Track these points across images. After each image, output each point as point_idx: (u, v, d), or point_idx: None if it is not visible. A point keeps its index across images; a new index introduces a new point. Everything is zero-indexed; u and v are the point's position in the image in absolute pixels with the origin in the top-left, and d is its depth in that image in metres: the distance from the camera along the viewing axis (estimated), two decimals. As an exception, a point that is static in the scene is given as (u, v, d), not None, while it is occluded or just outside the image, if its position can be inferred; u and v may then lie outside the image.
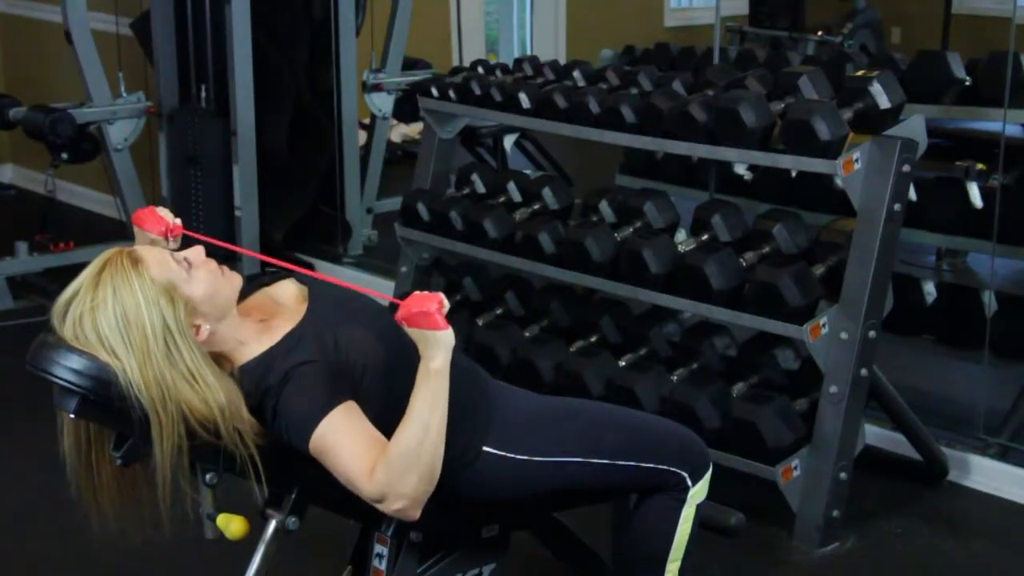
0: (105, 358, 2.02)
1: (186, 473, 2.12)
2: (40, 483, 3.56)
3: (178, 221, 2.34)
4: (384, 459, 2.00)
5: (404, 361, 2.15)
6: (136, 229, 2.33)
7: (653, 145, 3.73)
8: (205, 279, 2.11)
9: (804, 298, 3.26)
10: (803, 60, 4.72)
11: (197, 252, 2.15)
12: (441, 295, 2.03)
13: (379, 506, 2.03)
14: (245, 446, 2.06)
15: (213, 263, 2.15)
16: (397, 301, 2.06)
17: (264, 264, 5.20)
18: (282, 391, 2.08)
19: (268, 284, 2.31)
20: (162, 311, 2.03)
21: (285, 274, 2.34)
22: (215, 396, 2.04)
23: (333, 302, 2.27)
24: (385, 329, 2.18)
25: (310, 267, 5.41)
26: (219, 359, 2.13)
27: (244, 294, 2.26)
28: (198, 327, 2.09)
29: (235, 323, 2.15)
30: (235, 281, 2.18)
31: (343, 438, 2.04)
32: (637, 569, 2.42)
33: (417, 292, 2.05)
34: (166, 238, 2.31)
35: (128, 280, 2.04)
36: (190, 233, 2.38)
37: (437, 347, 2.02)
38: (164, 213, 2.34)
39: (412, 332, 2.03)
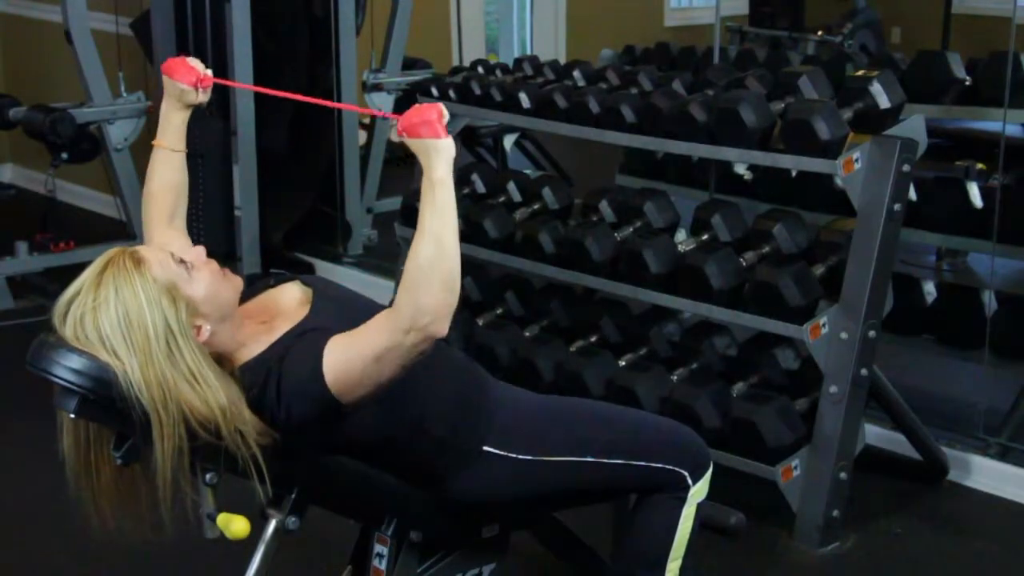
0: (106, 358, 2.01)
1: (186, 473, 2.11)
2: (40, 483, 3.56)
3: (208, 72, 2.33)
4: (402, 282, 1.96)
5: None
6: (165, 79, 2.33)
7: (653, 145, 3.73)
8: (206, 279, 2.11)
9: (804, 298, 3.26)
10: (803, 60, 4.73)
11: (198, 253, 2.15)
12: (441, 105, 2.02)
13: (409, 337, 1.94)
14: (247, 446, 2.06)
15: (214, 264, 2.16)
16: (396, 116, 2.04)
17: (266, 265, 5.22)
18: (281, 368, 2.06)
19: (271, 287, 2.31)
20: (164, 311, 2.03)
21: (288, 277, 2.34)
22: (216, 396, 2.03)
23: (336, 305, 2.26)
24: None
25: (310, 267, 5.42)
26: (220, 360, 2.13)
27: (246, 296, 2.26)
28: (199, 327, 2.08)
29: (236, 324, 2.15)
30: (236, 282, 2.18)
31: (350, 343, 2.01)
32: (638, 568, 2.42)
33: (417, 104, 2.03)
34: (196, 88, 2.32)
35: (130, 280, 2.03)
36: (221, 81, 2.35)
37: (439, 155, 1.99)
38: (195, 63, 2.34)
39: (413, 144, 2.00)
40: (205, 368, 2.05)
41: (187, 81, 2.33)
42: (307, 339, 2.07)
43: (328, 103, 2.38)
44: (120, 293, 2.03)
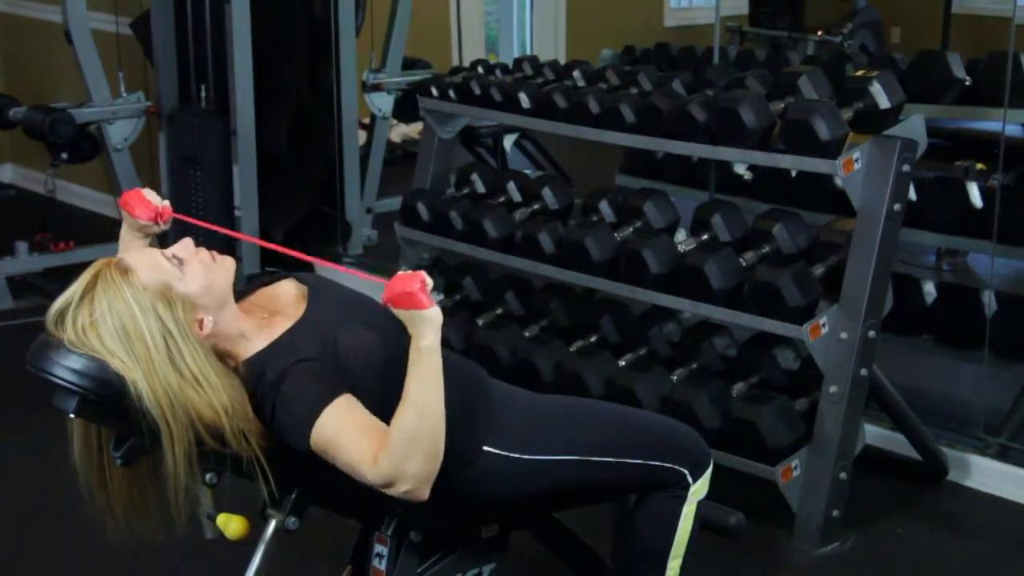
0: (117, 366, 2.01)
1: (194, 476, 2.11)
2: (41, 483, 3.57)
3: (166, 203, 2.30)
4: (385, 445, 1.99)
5: (405, 361, 2.15)
6: (124, 214, 2.30)
7: (653, 145, 3.73)
8: (199, 271, 2.10)
9: (804, 298, 3.26)
10: (803, 60, 4.72)
11: (186, 246, 2.13)
12: (423, 273, 2.03)
13: (388, 491, 2.01)
14: (250, 447, 2.06)
15: (204, 252, 2.14)
16: (382, 280, 2.06)
17: (264, 263, 5.22)
18: (279, 390, 2.07)
19: (268, 283, 2.31)
20: (160, 316, 2.02)
21: (283, 274, 2.34)
22: (219, 397, 2.03)
23: (334, 302, 2.27)
24: (386, 329, 2.18)
25: (309, 267, 5.41)
26: (224, 356, 2.12)
27: (244, 293, 2.26)
28: (201, 321, 2.08)
29: (235, 313, 2.14)
30: (228, 264, 2.16)
31: (343, 429, 2.03)
32: (638, 567, 2.42)
33: (400, 272, 2.05)
34: (156, 222, 2.29)
35: (120, 292, 2.02)
36: (181, 216, 2.33)
37: (424, 326, 2.01)
38: (151, 196, 2.30)
39: (399, 313, 2.03)
40: (208, 368, 2.05)
41: (146, 217, 2.28)
42: (306, 381, 2.07)
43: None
44: (113, 307, 2.02)
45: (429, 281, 2.03)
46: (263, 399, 2.09)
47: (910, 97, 3.44)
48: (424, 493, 2.03)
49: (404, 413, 2.00)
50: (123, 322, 2.01)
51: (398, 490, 2.01)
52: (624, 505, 2.50)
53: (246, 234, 5.28)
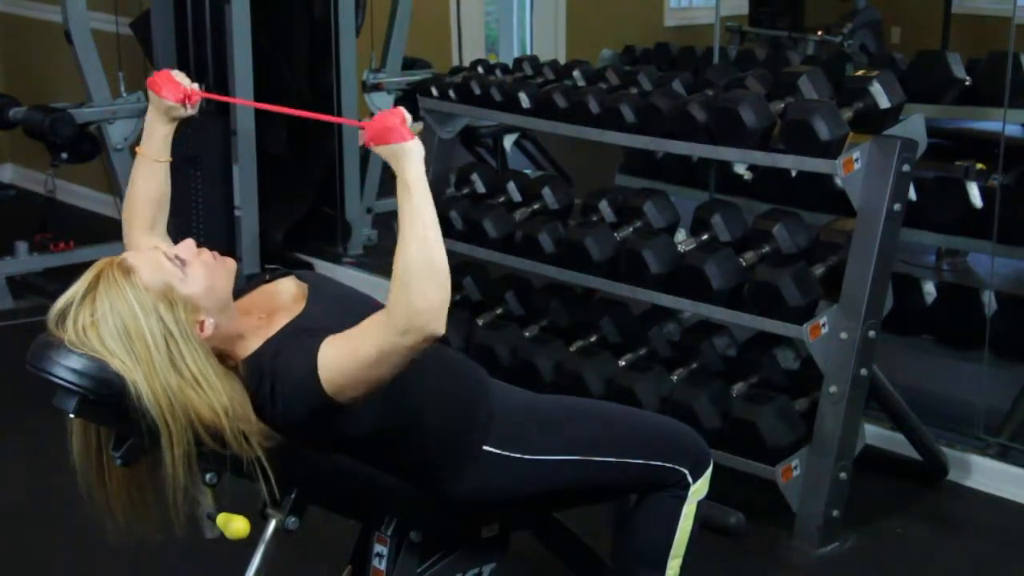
0: (117, 366, 2.01)
1: (193, 476, 2.11)
2: (41, 483, 3.57)
3: (195, 86, 2.29)
4: (393, 288, 1.96)
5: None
6: (152, 95, 2.29)
7: (653, 145, 3.73)
8: (200, 273, 2.10)
9: (804, 298, 3.26)
10: (803, 60, 4.72)
11: (188, 247, 2.13)
12: (402, 109, 2.04)
13: (407, 337, 1.94)
14: (250, 448, 2.05)
15: (206, 253, 2.14)
16: (363, 124, 2.07)
17: (264, 261, 5.22)
18: (275, 367, 2.06)
19: (267, 282, 2.31)
20: (161, 317, 2.02)
21: (283, 272, 2.34)
22: (219, 399, 2.03)
23: (334, 299, 2.27)
24: None
25: (309, 267, 5.42)
26: (222, 357, 2.12)
27: (243, 292, 2.26)
28: (202, 323, 2.08)
29: (235, 315, 2.14)
30: (229, 265, 2.16)
31: (345, 343, 2.00)
32: (639, 566, 2.42)
33: (380, 111, 2.04)
34: (184, 105, 2.29)
35: (122, 292, 2.02)
36: (210, 95, 2.31)
37: (407, 158, 2.01)
38: (180, 77, 2.30)
39: (382, 151, 2.03)
40: (208, 369, 2.04)
41: (174, 98, 2.29)
42: (301, 339, 2.07)
43: (293, 111, 2.34)
44: (114, 307, 2.01)
45: (408, 116, 2.04)
46: (262, 387, 2.08)
47: (910, 97, 3.44)
48: (441, 325, 1.96)
49: (405, 246, 1.96)
50: (124, 322, 2.01)
51: (415, 325, 1.93)
52: (624, 505, 2.49)
53: (246, 234, 5.28)
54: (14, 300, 5.21)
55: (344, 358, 2.00)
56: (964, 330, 3.93)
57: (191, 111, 2.31)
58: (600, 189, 3.96)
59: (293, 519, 2.25)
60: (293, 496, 2.25)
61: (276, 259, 5.29)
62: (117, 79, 5.33)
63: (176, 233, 2.39)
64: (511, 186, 4.11)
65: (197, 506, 2.19)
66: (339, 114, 5.50)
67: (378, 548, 2.36)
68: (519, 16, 7.28)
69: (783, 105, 3.39)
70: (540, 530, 2.61)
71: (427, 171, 4.48)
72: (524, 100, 4.03)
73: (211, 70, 5.37)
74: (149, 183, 2.39)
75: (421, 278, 1.94)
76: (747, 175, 3.50)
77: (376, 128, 2.03)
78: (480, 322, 4.00)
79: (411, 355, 1.98)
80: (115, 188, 5.48)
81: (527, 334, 3.89)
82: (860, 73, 3.45)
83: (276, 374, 2.06)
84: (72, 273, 2.11)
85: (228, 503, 2.23)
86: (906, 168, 3.22)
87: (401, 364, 1.99)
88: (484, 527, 2.42)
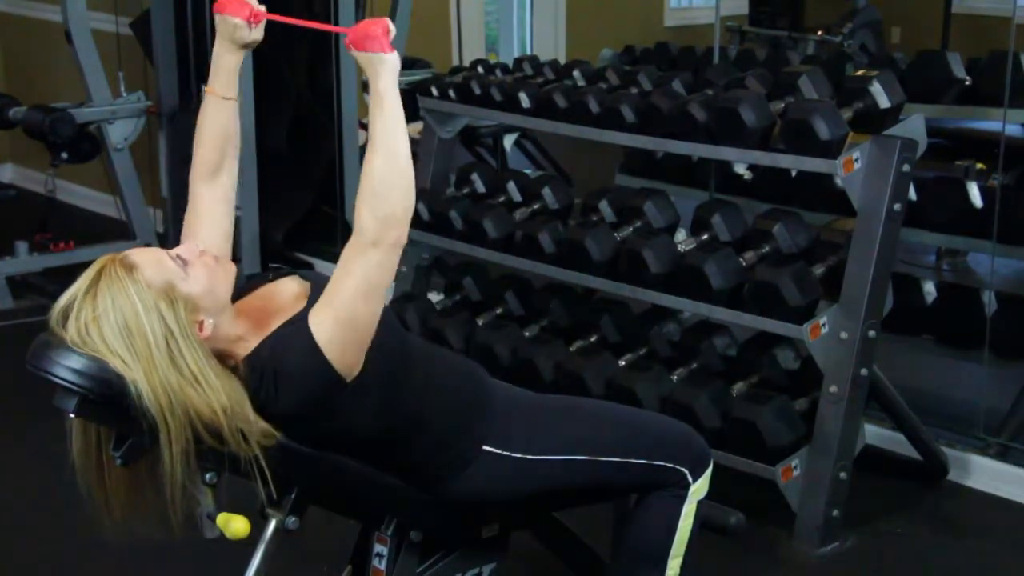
0: (117, 365, 2.01)
1: (192, 475, 2.11)
2: (41, 483, 3.56)
3: (262, 8, 2.26)
4: (359, 200, 2.00)
5: (404, 350, 2.17)
6: (218, 19, 2.25)
7: (653, 145, 3.73)
8: (202, 273, 2.10)
9: (804, 298, 3.26)
10: (803, 60, 4.73)
11: (190, 249, 2.13)
12: (387, 20, 2.05)
13: (377, 251, 1.99)
14: (249, 447, 2.05)
15: (208, 255, 2.14)
16: (345, 30, 2.07)
17: (264, 261, 5.22)
18: (272, 356, 2.06)
19: (269, 281, 2.30)
20: (162, 315, 2.02)
21: (286, 271, 2.33)
22: (218, 397, 2.03)
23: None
24: (386, 319, 2.17)
25: (309, 267, 5.42)
26: (223, 357, 2.12)
27: (244, 292, 2.26)
28: (201, 323, 2.08)
29: (234, 316, 2.14)
30: (229, 268, 2.16)
31: (331, 297, 2.03)
32: (639, 566, 2.42)
33: (366, 19, 2.05)
34: (248, 23, 2.25)
35: (124, 288, 2.01)
36: (274, 16, 2.28)
37: (383, 68, 2.03)
38: None
39: (358, 56, 2.05)
40: (207, 368, 2.04)
41: (240, 15, 2.23)
42: (295, 324, 2.08)
43: (298, 21, 2.33)
44: (116, 303, 2.01)
45: (392, 28, 2.05)
46: (264, 381, 2.07)
47: (910, 97, 3.44)
48: (405, 235, 2.02)
49: (373, 157, 2.01)
50: (125, 319, 2.01)
51: (382, 235, 1.99)
52: (624, 505, 2.49)
53: (246, 234, 5.27)
54: (14, 300, 5.21)
55: (335, 310, 2.02)
56: (964, 330, 3.93)
57: (256, 34, 2.26)
58: (600, 189, 3.97)
59: (293, 519, 2.25)
60: (293, 496, 2.25)
61: (277, 259, 5.29)
62: (117, 79, 5.33)
63: (176, 233, 2.39)
64: (511, 186, 4.11)
65: (197, 506, 2.19)
66: (339, 114, 5.50)
67: (378, 548, 2.36)
68: (519, 16, 7.29)
69: (783, 105, 3.39)
70: (540, 530, 2.61)
71: (427, 171, 4.51)
72: (524, 100, 4.03)
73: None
74: (215, 122, 2.30)
75: (389, 189, 2.00)
76: (747, 175, 3.50)
77: (358, 33, 2.04)
78: (480, 322, 4.00)
79: (387, 271, 2.02)
80: (115, 188, 5.48)
81: (527, 334, 3.89)
82: (860, 73, 3.45)
83: (277, 361, 2.06)
84: (72, 273, 2.11)
85: (228, 503, 2.23)
86: (906, 168, 3.22)
87: (383, 283, 2.03)
88: (484, 527, 2.42)
